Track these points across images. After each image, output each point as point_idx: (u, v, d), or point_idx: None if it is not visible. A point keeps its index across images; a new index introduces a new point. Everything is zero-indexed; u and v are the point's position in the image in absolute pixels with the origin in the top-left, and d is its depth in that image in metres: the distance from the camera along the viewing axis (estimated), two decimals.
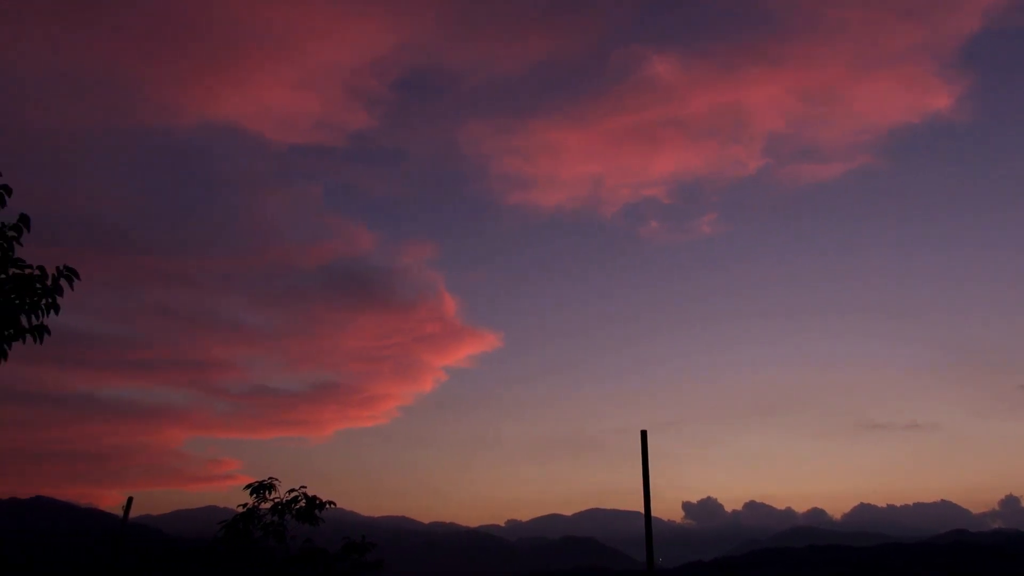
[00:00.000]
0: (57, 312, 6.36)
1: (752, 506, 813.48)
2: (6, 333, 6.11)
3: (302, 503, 12.71)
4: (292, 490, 12.84)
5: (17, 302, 6.14)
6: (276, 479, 12.85)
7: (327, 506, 12.92)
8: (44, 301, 6.27)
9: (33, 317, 6.23)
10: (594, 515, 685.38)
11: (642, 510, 9.53)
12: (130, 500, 12.26)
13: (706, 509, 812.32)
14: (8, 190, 6.11)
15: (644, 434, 9.68)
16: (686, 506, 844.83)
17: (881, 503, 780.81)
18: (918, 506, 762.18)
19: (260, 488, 12.66)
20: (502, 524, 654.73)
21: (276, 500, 12.67)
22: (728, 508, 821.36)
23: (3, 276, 6.12)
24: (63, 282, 6.39)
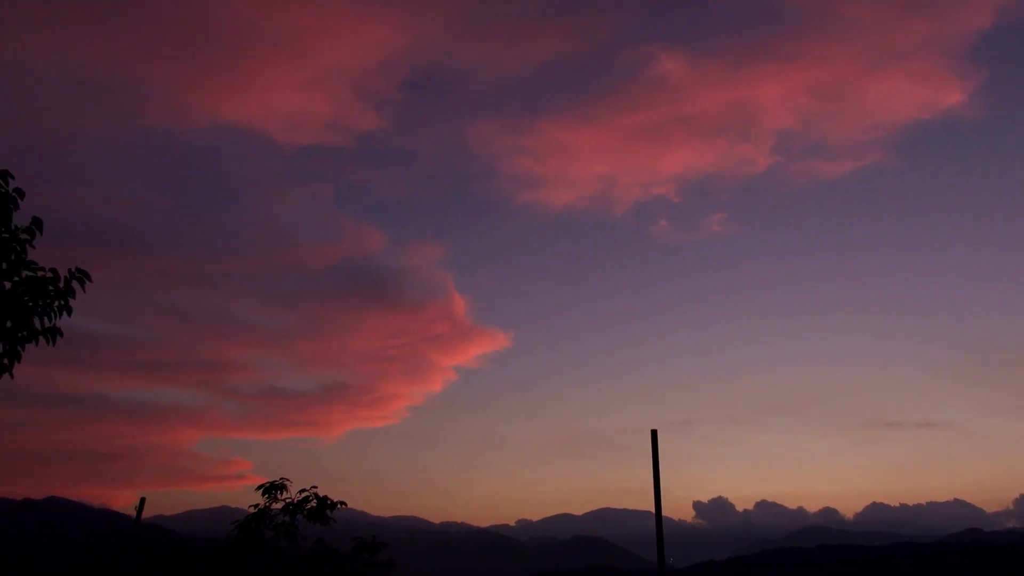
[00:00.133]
0: (70, 314, 6.37)
1: (763, 505, 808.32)
2: (20, 335, 6.12)
3: (313, 503, 12.77)
4: (303, 490, 12.92)
5: (30, 304, 6.15)
6: (288, 479, 12.91)
7: (338, 506, 12.97)
8: (56, 303, 6.28)
9: (46, 319, 6.24)
10: (604, 515, 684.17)
11: (652, 510, 9.49)
12: (143, 500, 12.33)
13: (717, 508, 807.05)
14: (21, 193, 6.12)
15: (654, 433, 9.64)
16: (697, 505, 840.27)
17: (894, 502, 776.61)
18: (931, 505, 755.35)
19: (272, 488, 12.74)
20: (512, 524, 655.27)
21: (287, 500, 12.74)
22: (739, 507, 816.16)
23: (16, 279, 6.14)
24: (75, 284, 6.39)
